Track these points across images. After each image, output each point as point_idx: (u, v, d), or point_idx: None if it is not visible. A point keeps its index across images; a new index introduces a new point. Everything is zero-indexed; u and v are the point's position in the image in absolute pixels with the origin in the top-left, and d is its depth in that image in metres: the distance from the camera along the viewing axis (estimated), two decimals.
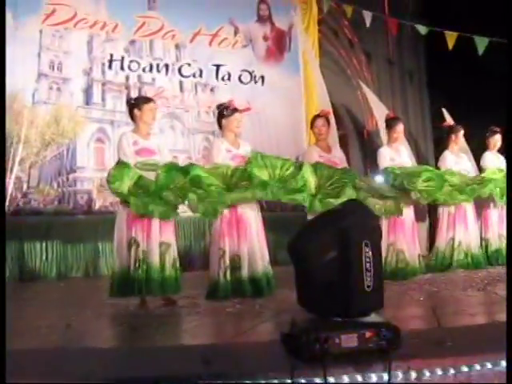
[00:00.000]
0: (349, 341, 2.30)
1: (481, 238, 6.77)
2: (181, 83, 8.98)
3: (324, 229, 2.56)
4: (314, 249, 2.53)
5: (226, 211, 4.86)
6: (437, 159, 11.89)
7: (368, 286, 2.45)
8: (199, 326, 3.58)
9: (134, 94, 8.54)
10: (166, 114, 8.68)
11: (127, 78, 8.64)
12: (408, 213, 5.89)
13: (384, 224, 5.75)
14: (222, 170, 4.78)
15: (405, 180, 5.65)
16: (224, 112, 5.15)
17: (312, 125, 5.95)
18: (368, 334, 2.29)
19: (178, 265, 4.73)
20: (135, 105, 4.90)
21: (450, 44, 8.94)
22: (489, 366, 2.38)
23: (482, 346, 2.55)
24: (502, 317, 3.09)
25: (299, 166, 5.07)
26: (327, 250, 2.49)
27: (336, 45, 10.55)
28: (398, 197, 5.68)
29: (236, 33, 9.39)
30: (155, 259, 4.58)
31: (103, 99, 8.43)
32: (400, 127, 6.21)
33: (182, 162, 8.66)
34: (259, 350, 2.72)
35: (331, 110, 8.81)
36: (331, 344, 2.28)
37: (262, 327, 3.44)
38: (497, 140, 7.10)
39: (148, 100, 5.03)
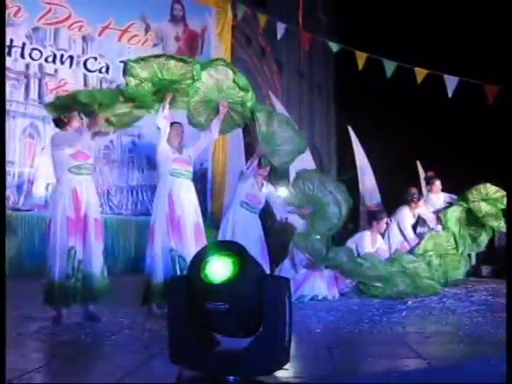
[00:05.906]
0: None
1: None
2: (85, 77, 8.55)
3: None
4: None
5: (166, 208, 4.66)
6: (339, 169, 12.21)
7: None
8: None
9: (34, 84, 8.11)
10: None
11: (27, 66, 8.13)
12: None
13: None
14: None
15: None
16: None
17: None
18: None
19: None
20: None
21: (360, 64, 9.06)
22: None
23: None
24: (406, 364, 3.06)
25: None
26: None
27: (249, 52, 10.47)
28: None
29: (147, 30, 9.07)
30: (95, 267, 4.34)
31: None
32: None
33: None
34: None
35: None
36: None
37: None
38: (438, 185, 7.21)
39: None
